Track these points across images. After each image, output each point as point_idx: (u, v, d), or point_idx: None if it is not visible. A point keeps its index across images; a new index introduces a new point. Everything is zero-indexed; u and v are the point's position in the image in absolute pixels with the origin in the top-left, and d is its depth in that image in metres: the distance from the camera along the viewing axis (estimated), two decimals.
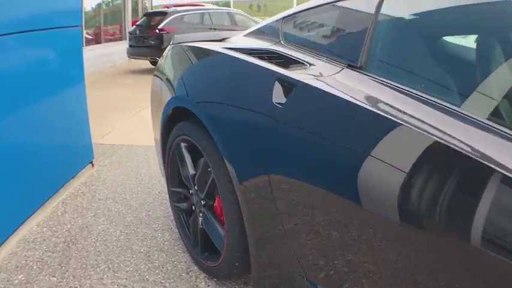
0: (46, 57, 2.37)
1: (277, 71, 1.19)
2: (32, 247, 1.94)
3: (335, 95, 1.01)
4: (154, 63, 8.37)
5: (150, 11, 10.55)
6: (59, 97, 2.46)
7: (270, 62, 1.27)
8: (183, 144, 1.67)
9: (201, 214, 1.63)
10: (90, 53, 7.73)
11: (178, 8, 8.30)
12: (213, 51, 1.60)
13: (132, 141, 3.58)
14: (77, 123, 2.72)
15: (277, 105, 1.12)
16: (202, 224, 1.63)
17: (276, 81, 1.16)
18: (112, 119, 4.38)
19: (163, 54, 2.06)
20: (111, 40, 10.28)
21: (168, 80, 1.89)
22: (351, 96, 0.99)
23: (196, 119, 1.51)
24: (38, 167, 2.23)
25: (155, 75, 2.08)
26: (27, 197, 2.14)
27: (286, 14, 1.50)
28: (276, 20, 1.58)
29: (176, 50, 1.94)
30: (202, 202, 1.60)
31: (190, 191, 1.72)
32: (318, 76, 1.11)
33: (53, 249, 1.91)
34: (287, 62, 1.28)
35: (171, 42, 2.03)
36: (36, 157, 2.21)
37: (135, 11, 11.62)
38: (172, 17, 7.88)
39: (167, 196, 2.42)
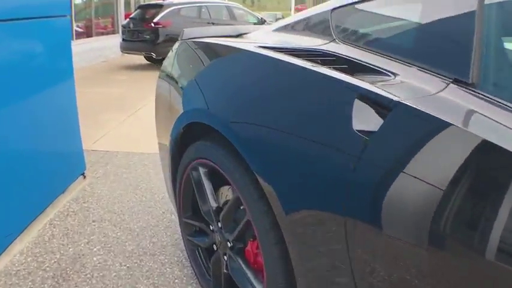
0: (29, 50, 2.07)
1: (357, 84, 0.83)
2: (15, 282, 1.63)
3: (463, 130, 0.66)
4: (149, 58, 8.11)
5: (143, 3, 10.17)
6: (44, 96, 2.15)
7: (332, 69, 0.93)
8: (201, 170, 1.32)
9: (225, 256, 1.29)
10: (80, 47, 7.45)
11: (175, 1, 7.96)
12: (243, 50, 1.23)
13: (128, 147, 3.25)
14: (65, 127, 2.40)
15: (362, 135, 0.78)
16: (227, 269, 1.29)
17: (357, 100, 0.81)
18: (105, 120, 4.04)
19: (172, 49, 1.71)
20: (102, 33, 10.02)
21: (178, 85, 1.55)
22: (481, 130, 0.65)
23: (219, 137, 1.17)
24: (21, 181, 1.93)
25: (161, 78, 1.73)
26: (8, 219, 1.82)
27: (342, 3, 1.15)
28: (323, 11, 1.23)
29: (186, 48, 1.60)
30: (229, 244, 1.25)
31: (211, 227, 1.37)
32: (419, 95, 0.76)
33: (39, 287, 1.60)
34: (353, 68, 0.94)
35: (179, 38, 1.68)
36: (18, 168, 1.91)
37: (127, 3, 11.27)
38: (169, 10, 7.62)
39: (173, 217, 2.10)
